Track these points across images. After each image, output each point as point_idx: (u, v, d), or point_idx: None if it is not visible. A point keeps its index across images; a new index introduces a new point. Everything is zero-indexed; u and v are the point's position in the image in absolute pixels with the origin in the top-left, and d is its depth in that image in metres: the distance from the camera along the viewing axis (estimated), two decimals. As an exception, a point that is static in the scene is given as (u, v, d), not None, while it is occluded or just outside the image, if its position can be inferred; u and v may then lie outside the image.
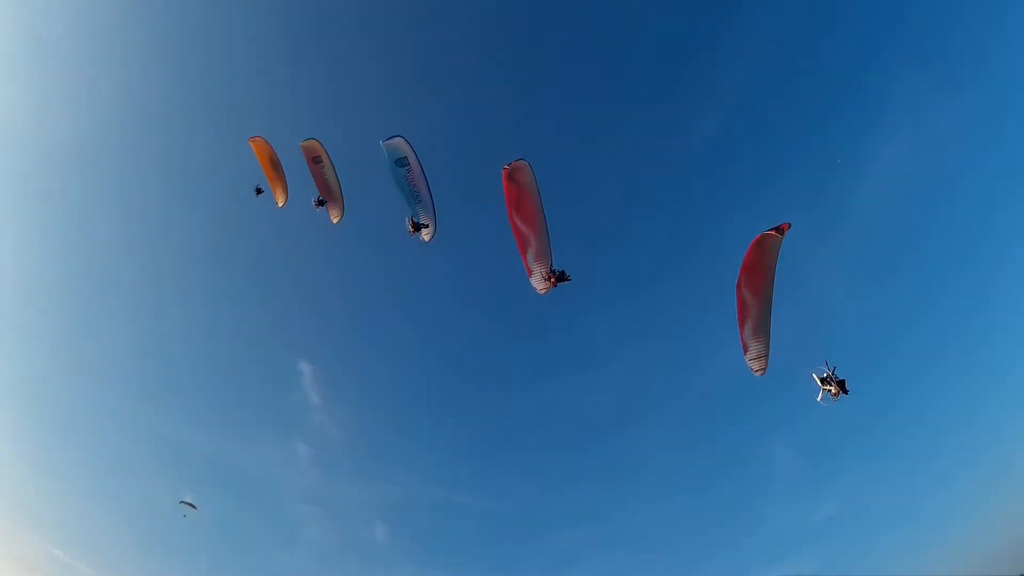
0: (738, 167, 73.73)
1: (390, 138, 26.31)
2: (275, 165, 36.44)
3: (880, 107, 70.05)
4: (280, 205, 38.25)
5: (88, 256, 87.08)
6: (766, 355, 20.94)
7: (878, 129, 70.44)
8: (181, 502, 52.43)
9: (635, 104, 75.35)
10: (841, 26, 67.54)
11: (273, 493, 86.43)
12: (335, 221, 36.34)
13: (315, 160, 33.50)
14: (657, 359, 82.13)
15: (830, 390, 19.23)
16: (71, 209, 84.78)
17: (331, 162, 33.81)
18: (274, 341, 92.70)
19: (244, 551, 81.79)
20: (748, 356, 21.04)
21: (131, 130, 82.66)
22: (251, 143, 35.11)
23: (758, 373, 21.05)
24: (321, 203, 34.13)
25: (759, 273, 19.75)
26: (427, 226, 27.56)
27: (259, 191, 37.44)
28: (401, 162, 27.56)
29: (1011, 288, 65.62)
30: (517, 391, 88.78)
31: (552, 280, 23.21)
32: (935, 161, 68.50)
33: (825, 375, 19.60)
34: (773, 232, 18.38)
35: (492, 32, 75.24)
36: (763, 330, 20.70)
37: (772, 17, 68.35)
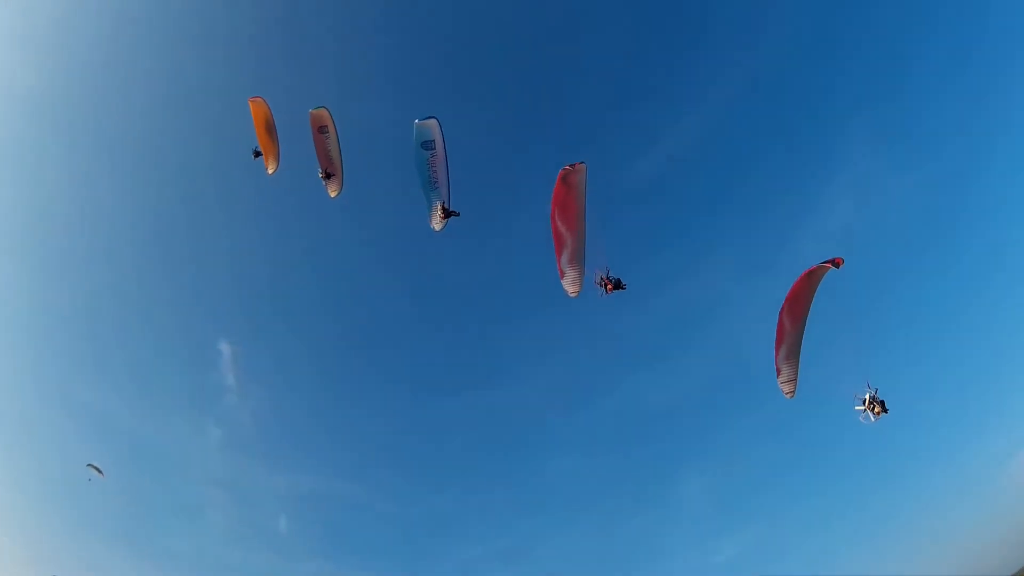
0: (678, 205, 76.43)
1: (426, 118, 25.11)
2: (271, 130, 34.00)
3: (833, 169, 74.27)
4: (270, 172, 35.78)
5: (16, 216, 79.02)
6: (796, 379, 21.75)
7: (829, 189, 74.19)
8: (88, 465, 50.82)
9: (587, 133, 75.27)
10: (811, 89, 71.31)
11: (180, 471, 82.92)
12: (332, 195, 34.49)
13: (321, 130, 31.49)
14: (577, 385, 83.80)
15: (874, 409, 20.25)
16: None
17: (336, 134, 32.03)
18: (197, 316, 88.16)
19: (145, 526, 77.54)
20: (780, 379, 21.80)
21: (76, 86, 75.22)
22: (250, 103, 32.49)
23: (788, 396, 21.87)
24: (327, 176, 32.21)
25: (802, 303, 20.43)
26: (457, 214, 26.70)
27: (257, 154, 34.77)
28: (428, 144, 26.42)
29: (919, 347, 71.03)
30: (440, 399, 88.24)
31: (608, 287, 22.94)
32: (877, 226, 72.33)
33: (868, 396, 20.57)
34: (828, 264, 19.01)
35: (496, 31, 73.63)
36: (795, 356, 21.49)
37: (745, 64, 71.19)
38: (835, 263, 18.89)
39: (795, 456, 75.48)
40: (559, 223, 23.28)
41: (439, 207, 26.73)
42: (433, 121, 25.44)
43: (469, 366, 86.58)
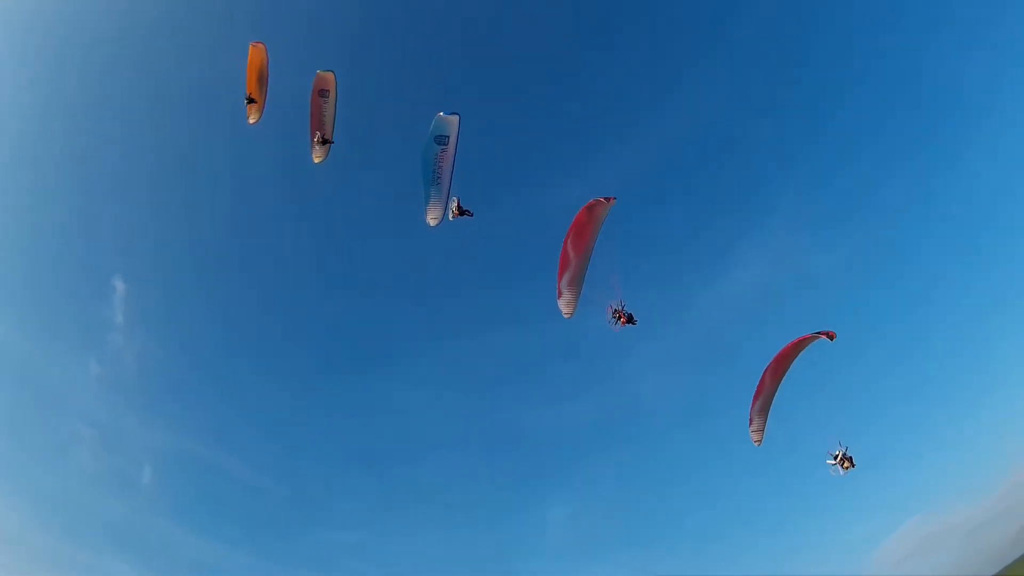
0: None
1: (451, 113, 24.41)
2: (262, 80, 31.77)
3: (740, 233, 77.64)
4: (252, 122, 33.48)
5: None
6: (764, 429, 23.45)
7: (735, 252, 78.21)
8: None
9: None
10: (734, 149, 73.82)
11: (51, 401, 78.28)
12: (317, 161, 32.86)
13: (321, 93, 29.85)
14: (468, 398, 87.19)
15: (843, 464, 22.18)
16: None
17: (335, 101, 30.52)
18: (98, 244, 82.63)
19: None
20: (752, 428, 23.40)
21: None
22: (251, 47, 30.14)
23: (757, 444, 23.54)
24: (323, 141, 30.68)
25: (785, 363, 21.96)
26: (471, 213, 26.34)
27: (250, 100, 32.43)
28: (441, 140, 25.70)
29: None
30: (334, 379, 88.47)
31: (622, 320, 23.46)
32: (783, 293, 75.74)
33: (838, 453, 22.46)
34: (821, 335, 20.54)
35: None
36: (767, 410, 23.14)
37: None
38: (829, 335, 20.45)
39: (677, 503, 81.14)
40: (570, 246, 23.46)
41: (455, 204, 26.18)
42: (455, 117, 24.74)
43: (371, 349, 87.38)
